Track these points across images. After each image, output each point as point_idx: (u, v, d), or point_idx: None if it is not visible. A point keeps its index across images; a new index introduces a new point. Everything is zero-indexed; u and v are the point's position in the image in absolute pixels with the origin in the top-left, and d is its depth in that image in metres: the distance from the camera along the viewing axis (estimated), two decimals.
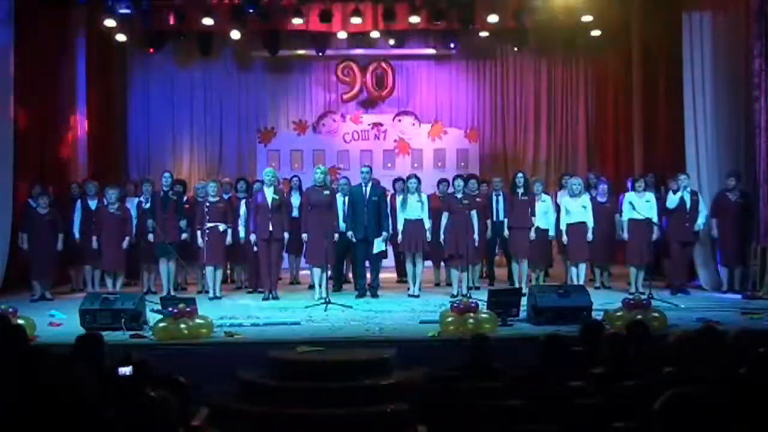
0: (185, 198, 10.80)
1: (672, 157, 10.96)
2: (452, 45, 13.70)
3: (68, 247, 10.24)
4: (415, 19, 12.30)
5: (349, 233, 9.86)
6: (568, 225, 10.04)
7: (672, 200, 9.78)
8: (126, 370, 3.94)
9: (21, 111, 10.49)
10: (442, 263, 10.86)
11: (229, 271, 11.25)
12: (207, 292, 10.11)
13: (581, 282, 9.66)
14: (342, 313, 8.74)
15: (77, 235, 10.30)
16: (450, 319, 7.52)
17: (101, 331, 6.18)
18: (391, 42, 13.60)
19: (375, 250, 9.80)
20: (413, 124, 14.03)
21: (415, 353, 6.92)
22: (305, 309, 8.95)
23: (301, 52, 14.11)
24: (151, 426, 3.32)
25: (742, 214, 9.83)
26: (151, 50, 13.31)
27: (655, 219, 9.82)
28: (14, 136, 10.28)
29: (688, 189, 9.75)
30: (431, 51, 14.22)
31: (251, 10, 11.25)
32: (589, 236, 9.99)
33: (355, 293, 10.01)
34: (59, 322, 8.22)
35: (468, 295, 8.91)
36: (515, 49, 13.76)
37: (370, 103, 14.53)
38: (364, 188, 9.91)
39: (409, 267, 10.09)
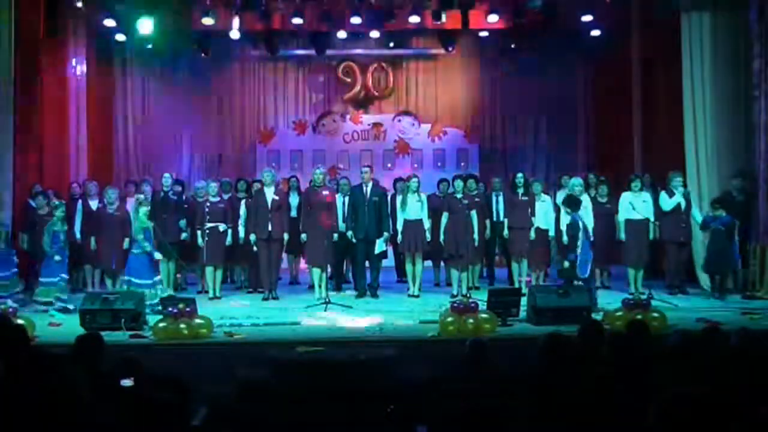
0: (185, 198, 10.80)
1: (672, 158, 10.95)
2: (452, 45, 13.69)
3: (69, 247, 10.22)
4: (415, 19, 12.30)
5: (349, 233, 9.88)
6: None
7: (668, 203, 9.77)
8: (128, 382, 3.98)
9: (21, 111, 10.47)
10: (442, 263, 10.86)
11: (229, 272, 11.24)
12: (207, 292, 10.12)
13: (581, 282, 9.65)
14: (342, 313, 8.74)
15: (78, 236, 10.30)
16: (450, 319, 7.52)
17: (101, 331, 6.18)
18: (391, 43, 13.59)
19: (376, 251, 9.81)
20: (413, 124, 14.04)
21: (415, 353, 6.93)
22: (305, 309, 8.96)
23: (301, 52, 14.11)
24: (150, 426, 3.32)
25: (748, 214, 9.85)
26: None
27: (652, 219, 9.83)
28: (14, 136, 10.27)
29: (681, 189, 9.75)
30: (431, 51, 14.21)
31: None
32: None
33: (355, 293, 10.01)
34: (59, 322, 8.23)
35: (468, 295, 8.91)
36: (512, 46, 13.65)
37: (370, 103, 14.53)
38: (364, 188, 9.92)
39: (409, 267, 10.09)
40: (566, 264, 8.79)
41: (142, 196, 9.82)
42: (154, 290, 8.87)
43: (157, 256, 9.01)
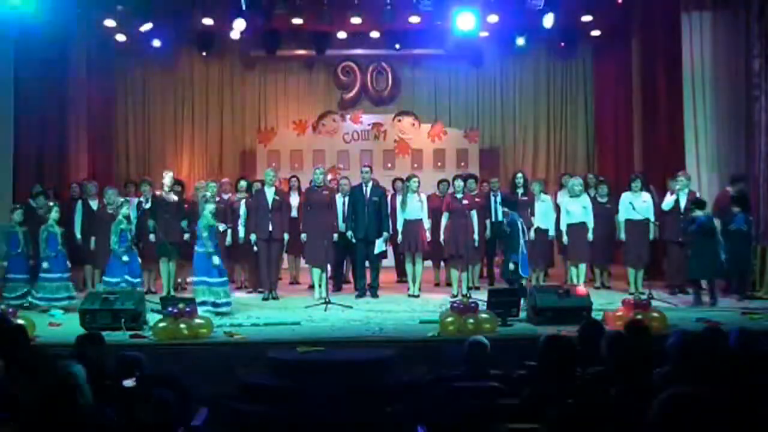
0: (185, 198, 10.80)
1: (672, 158, 10.96)
2: (451, 45, 13.68)
3: (68, 247, 10.22)
4: (415, 19, 12.29)
5: (349, 233, 9.88)
6: (569, 225, 10.05)
7: (667, 203, 9.78)
8: (130, 382, 3.99)
9: (21, 111, 10.47)
10: (442, 263, 10.86)
11: (229, 271, 11.23)
12: None
13: (581, 282, 9.66)
14: (342, 313, 8.75)
15: (78, 236, 10.30)
16: (450, 319, 7.52)
17: (101, 331, 6.18)
18: (397, 44, 13.55)
19: (376, 251, 9.82)
20: (413, 124, 14.04)
21: (415, 353, 6.93)
22: (305, 309, 8.96)
23: (301, 52, 14.11)
24: (150, 426, 3.32)
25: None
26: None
27: (653, 218, 9.83)
28: (14, 135, 10.27)
29: (686, 189, 9.75)
30: (431, 51, 14.20)
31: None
32: (589, 236, 9.99)
33: (355, 293, 10.01)
34: (59, 322, 8.23)
35: (468, 295, 8.91)
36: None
37: (370, 103, 14.53)
38: (364, 188, 9.92)
39: (408, 267, 10.10)
40: (511, 266, 8.74)
41: (209, 194, 9.70)
42: (225, 289, 8.70)
43: (215, 261, 8.65)
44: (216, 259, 8.65)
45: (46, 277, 9.00)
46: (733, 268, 9.38)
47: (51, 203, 9.37)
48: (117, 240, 8.94)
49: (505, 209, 9.16)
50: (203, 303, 8.39)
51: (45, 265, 9.03)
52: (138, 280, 9.07)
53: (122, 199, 9.56)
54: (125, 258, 8.92)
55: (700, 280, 9.23)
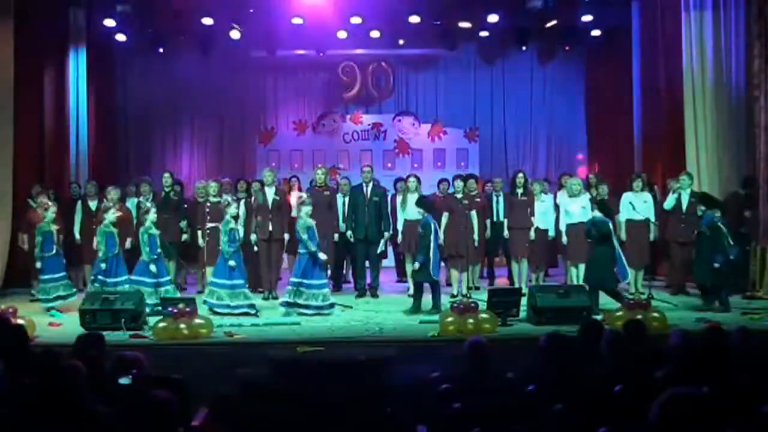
0: (185, 198, 10.80)
1: (672, 158, 10.96)
2: (452, 45, 13.68)
3: (68, 247, 10.22)
4: (415, 19, 12.28)
5: (349, 233, 9.88)
6: (568, 225, 10.03)
7: (669, 202, 9.77)
8: (125, 380, 3.98)
9: (21, 110, 10.47)
10: (443, 263, 10.84)
11: None
12: None
13: (581, 282, 9.64)
14: (342, 313, 8.74)
15: (77, 236, 10.29)
16: (450, 319, 7.53)
17: (101, 331, 6.18)
18: (401, 40, 13.55)
19: (377, 251, 9.82)
20: (413, 124, 14.04)
21: (415, 353, 6.93)
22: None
23: (301, 52, 14.11)
24: (150, 426, 3.32)
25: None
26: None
27: (653, 219, 9.83)
28: (14, 135, 10.27)
29: (689, 189, 9.74)
30: (431, 51, 14.21)
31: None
32: None
33: (355, 293, 10.01)
34: (59, 322, 8.23)
35: (468, 295, 8.91)
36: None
37: (370, 103, 14.54)
38: (365, 188, 9.93)
39: (409, 267, 10.10)
40: (416, 266, 8.62)
41: (304, 195, 9.55)
42: (325, 290, 8.63)
43: (322, 257, 8.59)
44: (323, 256, 8.54)
45: (43, 278, 8.98)
46: (701, 271, 8.81)
47: (49, 203, 9.33)
48: (227, 241, 8.70)
49: (420, 209, 9.01)
50: (292, 305, 8.45)
51: (38, 265, 8.98)
52: (242, 281, 8.86)
53: (230, 198, 9.29)
54: (232, 263, 8.66)
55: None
